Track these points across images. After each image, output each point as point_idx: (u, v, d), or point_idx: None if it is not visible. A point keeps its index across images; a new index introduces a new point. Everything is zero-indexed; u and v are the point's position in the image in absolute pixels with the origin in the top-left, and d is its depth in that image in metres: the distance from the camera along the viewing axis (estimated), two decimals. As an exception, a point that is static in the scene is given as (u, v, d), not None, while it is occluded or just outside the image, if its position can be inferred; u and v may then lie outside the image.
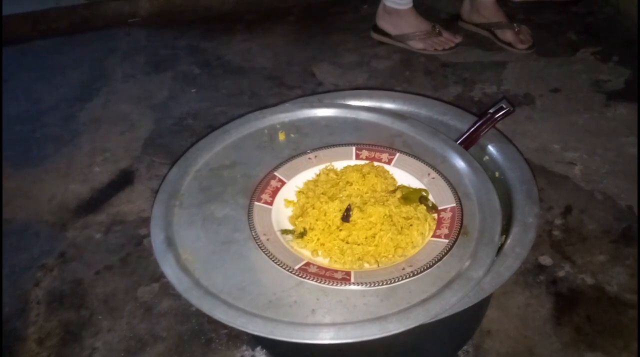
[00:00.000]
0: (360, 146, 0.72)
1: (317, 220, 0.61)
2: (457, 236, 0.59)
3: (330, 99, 0.85)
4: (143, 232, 0.90)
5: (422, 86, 1.23)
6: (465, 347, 0.69)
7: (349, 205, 0.62)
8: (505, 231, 0.63)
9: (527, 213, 0.63)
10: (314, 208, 0.63)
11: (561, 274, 0.78)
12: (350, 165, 0.70)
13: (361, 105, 0.83)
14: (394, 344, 0.60)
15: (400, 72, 1.29)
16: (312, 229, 0.61)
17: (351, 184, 0.66)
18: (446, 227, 0.61)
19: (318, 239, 0.60)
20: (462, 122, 0.78)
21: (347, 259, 0.58)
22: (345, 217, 0.61)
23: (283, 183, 0.68)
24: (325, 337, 0.51)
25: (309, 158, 0.71)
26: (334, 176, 0.68)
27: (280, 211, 0.65)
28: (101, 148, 1.11)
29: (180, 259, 0.59)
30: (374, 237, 0.60)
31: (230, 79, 1.31)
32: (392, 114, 0.80)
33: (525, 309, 0.73)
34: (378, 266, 0.58)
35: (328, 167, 0.70)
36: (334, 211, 0.62)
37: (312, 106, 0.82)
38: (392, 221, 0.61)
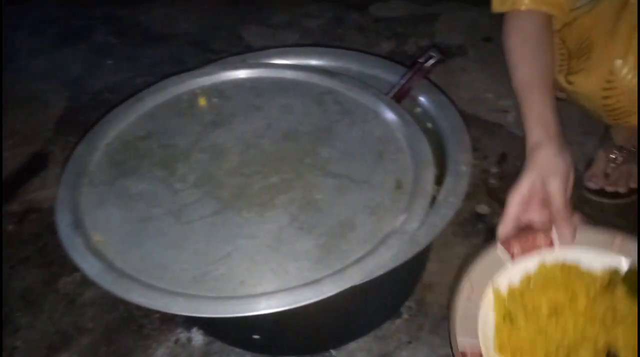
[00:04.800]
0: (505, 240, 0.55)
1: None
2: None
3: (254, 59, 0.79)
4: (61, 218, 0.82)
5: (356, 43, 1.19)
6: (407, 303, 0.68)
7: (609, 352, 0.48)
8: (440, 181, 0.62)
9: (459, 162, 0.62)
10: None
11: (498, 221, 0.78)
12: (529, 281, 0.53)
13: (288, 64, 0.78)
14: (333, 307, 0.57)
15: (333, 30, 1.25)
16: None
17: (563, 311, 0.50)
18: None
19: None
20: (393, 75, 0.75)
21: None
22: None
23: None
24: (256, 309, 0.47)
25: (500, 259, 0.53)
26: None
27: None
28: (10, 131, 1.01)
29: (91, 241, 0.53)
30: None
31: (151, 47, 1.22)
32: (321, 71, 0.76)
33: (465, 259, 0.73)
34: None
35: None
36: None
37: (235, 67, 0.76)
38: None
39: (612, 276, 0.52)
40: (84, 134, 0.65)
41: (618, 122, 0.68)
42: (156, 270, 0.50)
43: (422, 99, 0.72)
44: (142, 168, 0.61)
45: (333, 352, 0.64)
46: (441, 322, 0.66)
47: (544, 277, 0.53)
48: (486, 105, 0.98)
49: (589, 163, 0.82)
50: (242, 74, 0.75)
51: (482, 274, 0.52)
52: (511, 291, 0.53)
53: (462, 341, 0.47)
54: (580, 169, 0.84)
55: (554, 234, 0.54)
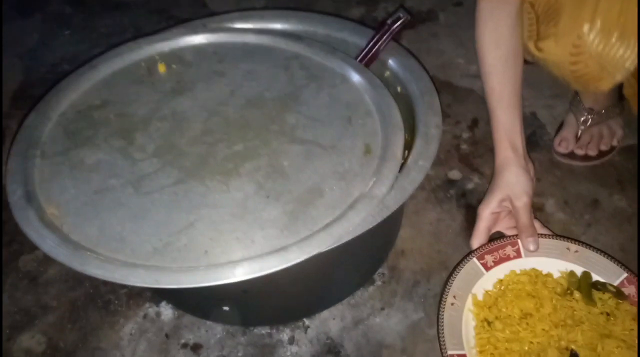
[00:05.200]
0: (480, 253, 0.62)
1: None
2: None
3: (216, 23, 0.76)
4: (19, 195, 0.79)
5: (324, 9, 1.15)
6: (380, 270, 0.67)
7: (572, 349, 0.55)
8: (410, 146, 0.60)
9: (429, 125, 0.60)
10: None
11: (470, 186, 0.77)
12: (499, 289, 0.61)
13: (252, 28, 0.75)
14: (303, 274, 0.56)
15: (301, -3, 1.20)
16: None
17: (532, 316, 0.57)
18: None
19: None
20: (360, 38, 0.73)
21: None
22: None
23: None
24: (221, 278, 0.46)
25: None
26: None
27: None
28: (-39, 107, 0.95)
29: (45, 214, 0.50)
30: None
31: (109, 16, 1.16)
32: (286, 35, 0.73)
33: (438, 225, 0.72)
34: None
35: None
36: None
37: (196, 32, 0.72)
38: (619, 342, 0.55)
39: (570, 279, 0.60)
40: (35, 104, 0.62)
41: (587, 88, 0.68)
42: (114, 242, 0.48)
43: (391, 62, 0.70)
44: (98, 138, 0.58)
45: (306, 321, 0.63)
46: (414, 288, 0.66)
47: (515, 285, 0.60)
48: (457, 71, 0.96)
49: (559, 126, 0.82)
50: (203, 39, 0.72)
51: (463, 285, 0.60)
52: (487, 297, 0.60)
53: (450, 347, 0.54)
54: (550, 132, 0.84)
55: (521, 246, 0.62)
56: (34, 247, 0.71)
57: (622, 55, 0.59)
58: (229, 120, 0.61)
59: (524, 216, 0.62)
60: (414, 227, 0.72)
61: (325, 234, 0.49)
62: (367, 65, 0.70)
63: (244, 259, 0.47)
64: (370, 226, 0.50)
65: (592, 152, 0.78)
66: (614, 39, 0.59)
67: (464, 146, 0.83)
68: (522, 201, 0.62)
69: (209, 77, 0.66)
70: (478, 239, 0.63)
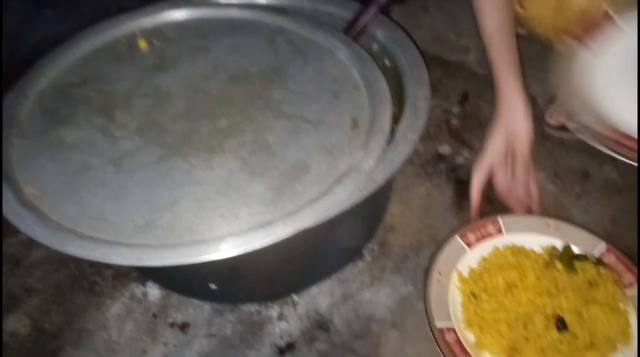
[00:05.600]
0: (463, 231, 0.63)
1: (527, 340, 0.55)
2: None
3: (198, -2, 0.74)
4: (2, 178, 0.77)
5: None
6: (369, 246, 0.67)
7: (558, 314, 0.56)
8: (399, 119, 0.59)
9: (418, 97, 0.59)
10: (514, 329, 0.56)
11: (460, 160, 0.77)
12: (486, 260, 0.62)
13: (235, 2, 0.73)
14: (291, 250, 0.55)
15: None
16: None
17: (516, 286, 0.58)
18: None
19: None
20: (347, 11, 0.71)
21: None
22: (561, 327, 0.55)
23: None
24: (204, 254, 0.45)
25: None
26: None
27: None
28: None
29: (23, 194, 0.49)
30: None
31: (92, -5, 1.13)
32: (272, 9, 0.71)
33: (427, 200, 0.72)
34: None
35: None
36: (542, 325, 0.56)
37: (178, 7, 0.70)
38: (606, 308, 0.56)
39: (551, 253, 0.62)
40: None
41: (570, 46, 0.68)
42: (95, 221, 0.47)
43: (379, 35, 0.69)
44: (78, 116, 0.57)
45: (295, 297, 0.63)
46: (403, 262, 0.65)
47: (498, 259, 0.61)
48: (447, 45, 0.94)
49: (550, 99, 0.81)
50: (185, 14, 0.70)
51: (447, 262, 0.61)
52: (472, 273, 0.61)
53: (439, 323, 0.56)
54: (541, 105, 0.83)
55: (501, 222, 0.64)
56: (17, 230, 0.70)
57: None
58: (212, 96, 0.59)
59: (522, 161, 0.63)
60: (404, 203, 0.71)
61: (311, 209, 0.48)
62: (354, 39, 0.69)
63: (228, 235, 0.46)
64: (358, 200, 0.49)
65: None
66: None
67: (454, 121, 0.82)
68: (522, 144, 0.62)
69: (192, 53, 0.64)
70: (481, 170, 0.64)
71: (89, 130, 0.55)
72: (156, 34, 0.67)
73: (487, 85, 0.87)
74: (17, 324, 0.62)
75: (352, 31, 0.69)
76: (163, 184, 0.50)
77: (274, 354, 0.58)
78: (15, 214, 0.47)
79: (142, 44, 0.65)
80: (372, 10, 0.68)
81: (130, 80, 0.61)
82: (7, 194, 0.49)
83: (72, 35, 0.67)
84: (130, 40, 0.66)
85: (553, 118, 0.78)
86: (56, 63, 0.62)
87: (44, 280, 0.65)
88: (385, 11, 0.70)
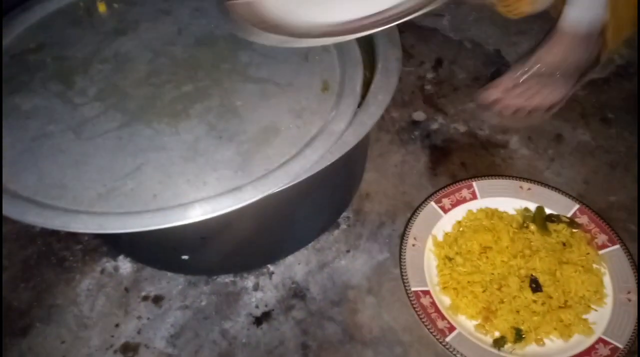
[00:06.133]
0: (437, 196, 0.64)
1: (502, 302, 0.55)
2: None
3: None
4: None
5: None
6: (344, 214, 0.66)
7: (532, 275, 0.56)
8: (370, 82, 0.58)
9: (388, 58, 0.58)
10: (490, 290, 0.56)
11: (434, 126, 0.76)
12: (461, 226, 0.63)
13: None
14: (264, 218, 0.54)
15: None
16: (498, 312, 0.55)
17: (491, 249, 0.59)
18: None
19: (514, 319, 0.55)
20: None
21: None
22: (535, 287, 0.56)
23: None
24: (170, 221, 0.43)
25: None
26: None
27: None
28: None
29: None
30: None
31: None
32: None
33: (402, 167, 0.71)
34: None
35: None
36: (516, 287, 0.56)
37: None
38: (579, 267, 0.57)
39: (524, 215, 0.62)
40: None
41: (509, 10, 0.69)
42: (55, 190, 0.45)
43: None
44: (34, 83, 0.54)
45: (270, 267, 0.62)
46: (379, 229, 0.65)
47: (473, 223, 0.62)
48: (422, 11, 0.93)
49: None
50: None
51: (422, 228, 0.61)
52: (447, 237, 0.61)
53: (414, 286, 0.56)
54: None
55: (476, 187, 0.64)
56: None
57: None
58: (176, 60, 0.57)
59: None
60: (379, 171, 0.71)
61: (281, 173, 0.47)
62: None
63: (194, 200, 0.45)
64: (329, 163, 0.48)
65: (519, 103, 0.74)
66: None
67: (428, 87, 0.81)
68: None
69: (154, 16, 0.61)
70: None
71: (46, 97, 0.52)
72: (117, -4, 0.64)
73: (461, 51, 0.86)
74: (-18, 302, 0.60)
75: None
76: (125, 151, 0.48)
77: (250, 323, 0.57)
78: (-32, 185, 0.44)
79: (101, 7, 0.63)
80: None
81: (89, 45, 0.58)
82: (-40, 165, 0.46)
83: None
84: (88, 3, 0.63)
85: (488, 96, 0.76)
86: (10, 29, 0.59)
87: (10, 257, 0.63)
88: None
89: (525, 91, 0.74)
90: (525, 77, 0.74)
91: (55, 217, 0.42)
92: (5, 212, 0.43)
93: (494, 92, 0.75)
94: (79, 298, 0.60)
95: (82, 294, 0.60)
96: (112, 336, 0.57)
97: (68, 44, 0.58)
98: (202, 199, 0.45)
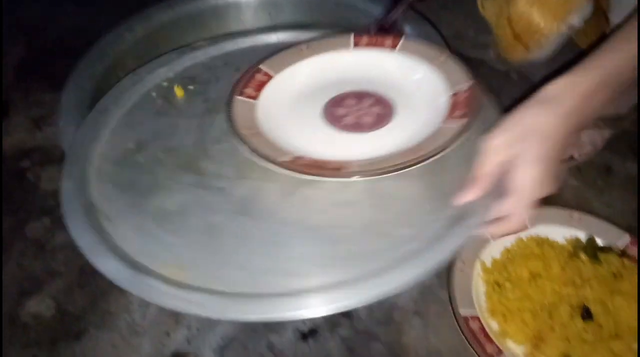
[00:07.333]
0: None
1: (552, 329, 0.55)
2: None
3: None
4: (25, 164, 0.79)
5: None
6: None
7: (584, 304, 0.56)
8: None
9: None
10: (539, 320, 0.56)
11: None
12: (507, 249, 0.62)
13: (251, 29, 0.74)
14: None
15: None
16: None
17: (541, 277, 0.58)
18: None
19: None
20: (374, 5, 0.72)
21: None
22: (587, 316, 0.55)
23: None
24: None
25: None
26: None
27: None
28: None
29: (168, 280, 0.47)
30: None
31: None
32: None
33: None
34: None
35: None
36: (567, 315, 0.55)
37: (196, 48, 0.69)
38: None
39: (575, 245, 0.62)
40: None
41: (512, 55, 0.74)
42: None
43: (407, 30, 0.70)
44: (164, 181, 0.53)
45: (317, 285, 0.62)
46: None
47: (522, 250, 0.62)
48: (468, 42, 0.95)
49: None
50: (202, 53, 0.69)
51: (470, 252, 0.61)
52: (495, 263, 0.61)
53: (462, 311, 0.56)
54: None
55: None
56: (40, 215, 0.72)
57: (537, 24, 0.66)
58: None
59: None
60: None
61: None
62: (383, 32, 0.69)
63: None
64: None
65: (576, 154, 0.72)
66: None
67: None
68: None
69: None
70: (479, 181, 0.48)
71: (185, 191, 0.52)
72: (185, 80, 0.65)
73: (507, 82, 0.88)
74: (41, 306, 0.62)
75: (381, 26, 0.70)
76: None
77: (296, 339, 0.58)
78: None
79: (179, 92, 0.64)
80: (402, 6, 0.69)
81: (191, 131, 0.58)
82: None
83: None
84: (162, 91, 0.64)
85: None
86: (95, 134, 0.59)
87: (67, 264, 0.66)
88: (413, 8, 0.71)
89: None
90: None
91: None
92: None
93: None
94: (132, 306, 0.61)
95: (135, 302, 0.62)
96: (163, 344, 0.58)
97: (167, 135, 0.59)
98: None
